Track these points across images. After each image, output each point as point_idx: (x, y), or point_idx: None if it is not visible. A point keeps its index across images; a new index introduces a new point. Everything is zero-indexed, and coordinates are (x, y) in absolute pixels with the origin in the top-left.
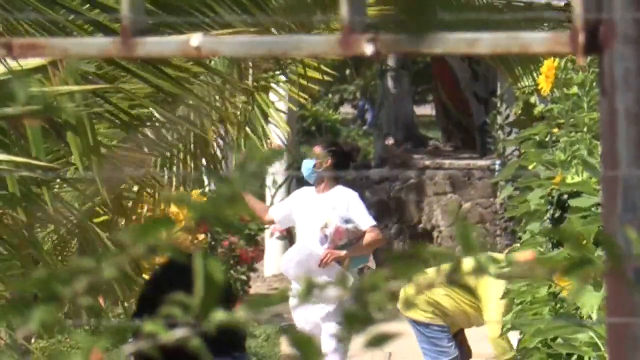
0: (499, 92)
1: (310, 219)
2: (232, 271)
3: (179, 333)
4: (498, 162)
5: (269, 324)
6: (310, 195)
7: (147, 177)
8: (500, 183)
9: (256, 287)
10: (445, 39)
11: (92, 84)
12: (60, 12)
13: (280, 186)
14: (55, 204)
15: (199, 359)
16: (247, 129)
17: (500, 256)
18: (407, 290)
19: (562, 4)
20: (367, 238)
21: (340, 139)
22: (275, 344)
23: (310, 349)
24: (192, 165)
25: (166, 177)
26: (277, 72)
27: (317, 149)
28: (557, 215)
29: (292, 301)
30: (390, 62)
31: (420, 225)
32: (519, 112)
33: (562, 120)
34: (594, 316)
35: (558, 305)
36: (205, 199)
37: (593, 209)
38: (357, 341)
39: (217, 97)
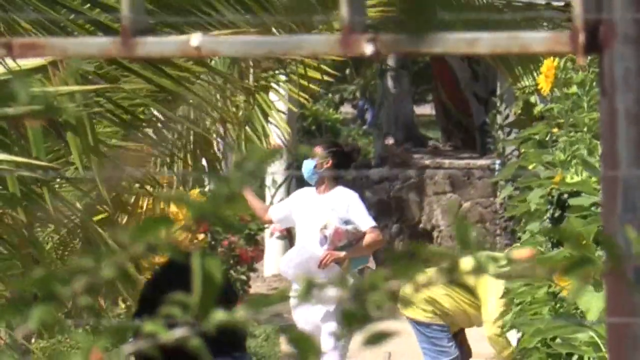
0: (498, 92)
1: (310, 220)
2: (232, 271)
3: (178, 333)
4: (498, 161)
5: (269, 324)
6: (310, 196)
7: (147, 176)
8: (500, 183)
9: (256, 287)
10: (445, 38)
11: (93, 83)
12: (61, 12)
13: (280, 186)
14: (56, 203)
15: (199, 358)
16: (247, 128)
17: (499, 255)
18: (406, 289)
19: (562, 4)
20: (367, 239)
21: (340, 138)
22: (275, 343)
23: (308, 347)
24: (192, 165)
25: (166, 176)
26: (277, 72)
27: (318, 150)
28: (557, 215)
29: (293, 301)
30: (390, 62)
31: (420, 225)
32: (519, 111)
33: (562, 120)
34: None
35: (558, 305)
36: (204, 198)
37: (593, 208)
38: (357, 341)
39: (218, 97)
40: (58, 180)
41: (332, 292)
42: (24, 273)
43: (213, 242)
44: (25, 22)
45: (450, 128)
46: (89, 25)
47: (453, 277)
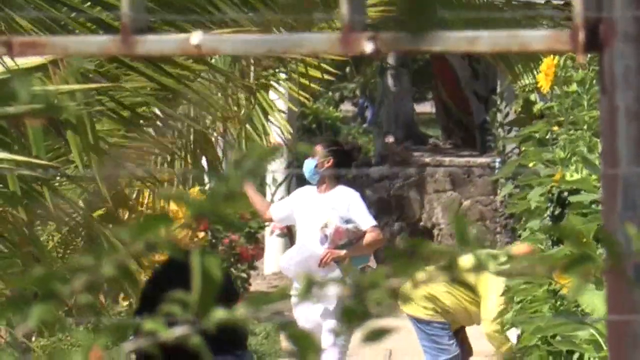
0: (499, 90)
1: (311, 218)
2: (232, 269)
3: (179, 331)
4: (498, 159)
5: (270, 322)
6: (311, 195)
7: (148, 174)
8: (501, 181)
9: (256, 285)
10: (446, 37)
11: (93, 81)
12: (61, 10)
13: (280, 184)
14: (57, 201)
15: (199, 357)
16: (248, 126)
17: (498, 252)
18: (407, 286)
19: (562, 2)
20: (368, 238)
21: (340, 136)
22: (276, 341)
23: (308, 344)
24: (192, 163)
25: (166, 174)
26: (277, 70)
27: (318, 149)
28: (557, 212)
29: (294, 299)
30: (391, 60)
31: (421, 223)
32: (519, 109)
33: (562, 118)
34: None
35: (558, 303)
36: (204, 196)
37: (593, 205)
38: (358, 338)
39: (219, 95)
40: (58, 178)
41: (332, 290)
42: (24, 271)
43: (214, 240)
44: (26, 21)
45: (451, 126)
46: (90, 24)
47: (453, 275)
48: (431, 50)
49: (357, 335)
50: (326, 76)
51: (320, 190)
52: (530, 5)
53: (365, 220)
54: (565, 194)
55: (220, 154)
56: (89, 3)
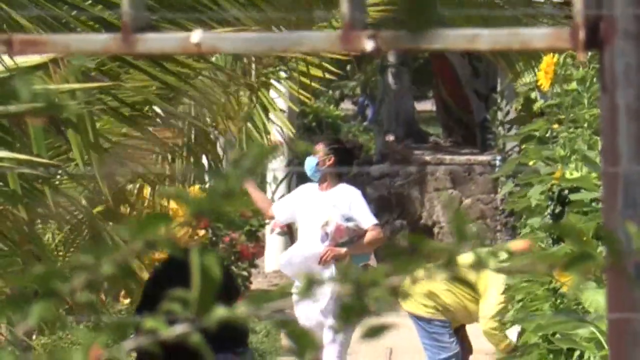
0: (499, 88)
1: (312, 216)
2: (233, 267)
3: (179, 329)
4: (499, 157)
5: (270, 320)
6: (313, 193)
7: (148, 172)
8: (501, 179)
9: (257, 283)
10: (446, 35)
11: (94, 80)
12: (62, 9)
13: (280, 182)
14: (58, 199)
15: (200, 355)
16: (249, 124)
17: (497, 247)
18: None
19: (562, 0)
20: (368, 236)
21: (340, 135)
22: (276, 339)
23: (306, 342)
24: (193, 161)
25: (167, 172)
26: (278, 68)
27: (320, 147)
28: (557, 210)
29: (295, 297)
30: (391, 58)
31: (421, 221)
32: (519, 107)
33: (562, 116)
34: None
35: (559, 301)
36: (204, 194)
37: (593, 204)
38: (359, 337)
39: (219, 93)
40: (59, 177)
41: (328, 287)
42: (24, 270)
43: (214, 239)
44: (27, 19)
45: (451, 124)
46: (92, 23)
47: (453, 273)
48: (431, 49)
49: (358, 333)
50: (328, 76)
51: (321, 188)
52: (530, 3)
53: (366, 219)
54: (566, 192)
55: (220, 152)
56: (90, 1)
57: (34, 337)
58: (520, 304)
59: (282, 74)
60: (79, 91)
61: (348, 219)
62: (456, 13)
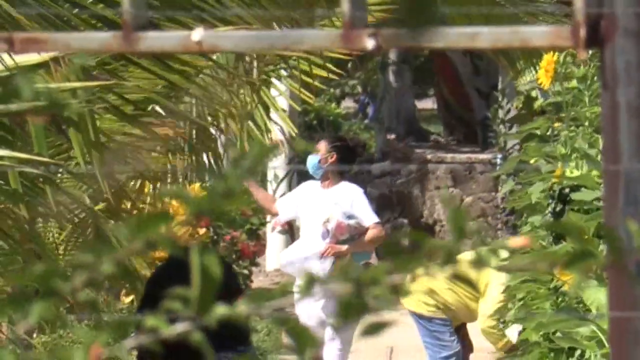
0: (500, 86)
1: (314, 213)
2: (234, 266)
3: (180, 328)
4: (499, 156)
5: (271, 318)
6: (315, 190)
7: (149, 170)
8: (502, 177)
9: (258, 282)
10: (447, 33)
11: (95, 78)
12: (64, 7)
13: (281, 180)
14: (61, 198)
15: (201, 353)
16: (250, 123)
17: (496, 244)
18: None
19: None
20: (369, 234)
21: (341, 133)
22: (277, 338)
23: (305, 339)
24: (194, 159)
25: (168, 170)
26: (278, 67)
27: (322, 144)
28: (558, 209)
29: (296, 296)
30: (392, 55)
31: (422, 220)
32: (520, 105)
33: (563, 115)
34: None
35: (560, 300)
36: (204, 193)
37: (594, 202)
38: (359, 336)
39: (220, 91)
40: (60, 175)
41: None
42: (25, 268)
43: (215, 237)
44: (29, 17)
45: (452, 122)
46: (95, 21)
47: (453, 270)
48: (432, 47)
49: (359, 331)
50: (331, 76)
51: (324, 186)
52: (531, 1)
53: (368, 216)
54: (567, 190)
55: (221, 150)
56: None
57: (34, 335)
58: (522, 302)
59: (283, 72)
60: (80, 90)
61: (349, 217)
62: (457, 11)
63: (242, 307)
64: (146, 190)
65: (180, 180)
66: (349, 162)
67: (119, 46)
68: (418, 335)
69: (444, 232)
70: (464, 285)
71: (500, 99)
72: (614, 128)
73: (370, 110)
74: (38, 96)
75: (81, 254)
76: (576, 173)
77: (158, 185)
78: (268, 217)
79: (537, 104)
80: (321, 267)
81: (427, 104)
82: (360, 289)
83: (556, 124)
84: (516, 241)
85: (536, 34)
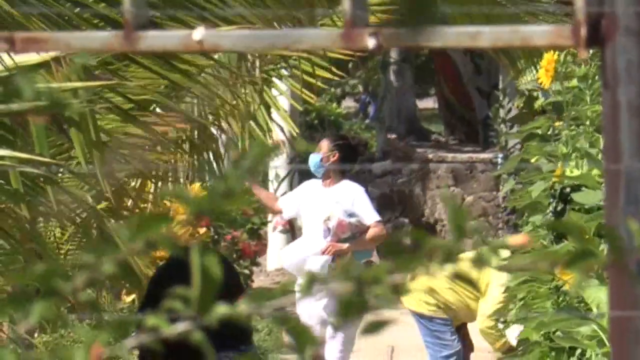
0: (501, 85)
1: (315, 212)
2: (234, 265)
3: (181, 327)
4: (500, 155)
5: (270, 317)
6: (317, 189)
7: (150, 169)
8: (503, 176)
9: (259, 282)
10: (448, 32)
11: (96, 78)
12: (66, 6)
13: (282, 180)
14: (62, 197)
15: (201, 353)
16: (251, 122)
17: (496, 242)
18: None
19: None
20: (371, 232)
21: (342, 132)
22: (278, 337)
23: (305, 338)
24: (195, 158)
25: (169, 169)
26: (279, 66)
27: (325, 143)
28: (559, 208)
29: (298, 295)
30: (393, 54)
31: (424, 219)
32: (521, 105)
33: (565, 114)
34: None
35: (561, 299)
36: (204, 192)
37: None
38: (360, 335)
39: (223, 90)
40: (60, 174)
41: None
42: (26, 268)
43: (216, 237)
44: (30, 16)
45: (453, 122)
46: (98, 20)
47: (453, 269)
48: (433, 46)
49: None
50: (330, 74)
51: (325, 184)
52: (531, 1)
53: (369, 215)
54: (568, 190)
55: (222, 150)
56: None
57: (35, 335)
58: (522, 302)
59: (284, 72)
60: (81, 89)
61: (350, 215)
62: (458, 11)
63: (242, 306)
64: (147, 189)
65: (181, 179)
66: (350, 161)
67: (120, 45)
68: (419, 335)
69: (445, 231)
70: (464, 284)
71: (501, 98)
72: (615, 127)
73: (371, 109)
74: (39, 96)
75: (84, 253)
76: (576, 172)
77: (159, 184)
78: (269, 217)
79: (537, 104)
80: (321, 265)
81: (428, 103)
82: (361, 288)
83: (557, 123)
84: (516, 239)
85: (537, 33)
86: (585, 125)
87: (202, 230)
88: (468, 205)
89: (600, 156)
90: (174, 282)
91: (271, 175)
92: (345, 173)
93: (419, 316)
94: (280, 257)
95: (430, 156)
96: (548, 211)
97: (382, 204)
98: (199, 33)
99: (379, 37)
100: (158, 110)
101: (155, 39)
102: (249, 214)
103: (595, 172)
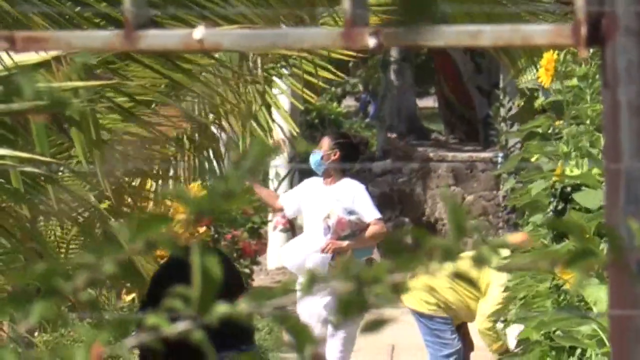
0: (501, 84)
1: (316, 210)
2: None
3: (181, 326)
4: (501, 154)
5: (270, 316)
6: (318, 187)
7: (150, 168)
8: (503, 175)
9: (259, 281)
10: (448, 31)
11: (96, 77)
12: (67, 5)
13: (283, 179)
14: (64, 196)
15: (202, 352)
16: (252, 122)
17: (496, 241)
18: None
19: None
20: (370, 230)
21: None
22: (279, 337)
23: (305, 336)
24: (195, 158)
25: (170, 169)
26: (279, 65)
27: (326, 141)
28: (559, 207)
29: (299, 294)
30: (394, 53)
31: (424, 218)
32: (522, 104)
33: (564, 112)
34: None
35: (561, 298)
36: (204, 192)
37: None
38: (360, 334)
39: (224, 90)
40: (61, 173)
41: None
42: (26, 267)
43: (216, 236)
44: (31, 15)
45: (453, 121)
46: (99, 20)
47: (454, 270)
48: (434, 45)
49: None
50: (331, 75)
51: (326, 182)
52: (532, 1)
53: (369, 213)
54: (568, 189)
55: (222, 149)
56: None
57: (36, 334)
58: (522, 301)
59: (284, 71)
60: (82, 89)
61: (350, 213)
62: (459, 10)
63: (243, 305)
64: (147, 187)
65: (182, 178)
66: (351, 159)
67: (121, 45)
68: (419, 334)
69: (446, 230)
70: (464, 284)
71: (501, 97)
72: (615, 127)
73: (371, 108)
74: (39, 95)
75: (85, 252)
76: (576, 172)
77: (160, 183)
78: (270, 216)
79: (538, 102)
80: (321, 263)
81: (429, 102)
82: (361, 287)
83: (557, 122)
84: (515, 238)
85: (537, 32)
86: (585, 125)
87: (202, 229)
88: (468, 204)
89: (600, 155)
90: (174, 281)
91: (271, 174)
92: (345, 171)
93: (419, 315)
94: (280, 255)
95: (430, 155)
96: (548, 210)
97: (382, 203)
98: (199, 32)
99: (379, 36)
100: (159, 108)
101: (155, 38)
102: (249, 213)
103: (595, 171)
